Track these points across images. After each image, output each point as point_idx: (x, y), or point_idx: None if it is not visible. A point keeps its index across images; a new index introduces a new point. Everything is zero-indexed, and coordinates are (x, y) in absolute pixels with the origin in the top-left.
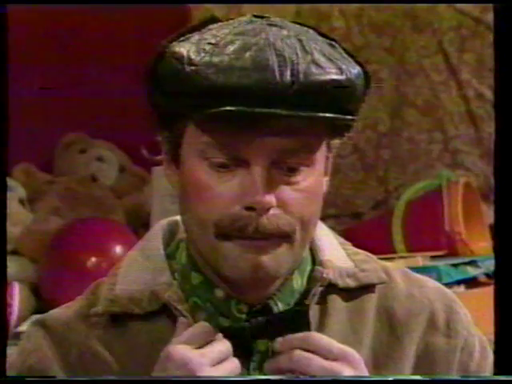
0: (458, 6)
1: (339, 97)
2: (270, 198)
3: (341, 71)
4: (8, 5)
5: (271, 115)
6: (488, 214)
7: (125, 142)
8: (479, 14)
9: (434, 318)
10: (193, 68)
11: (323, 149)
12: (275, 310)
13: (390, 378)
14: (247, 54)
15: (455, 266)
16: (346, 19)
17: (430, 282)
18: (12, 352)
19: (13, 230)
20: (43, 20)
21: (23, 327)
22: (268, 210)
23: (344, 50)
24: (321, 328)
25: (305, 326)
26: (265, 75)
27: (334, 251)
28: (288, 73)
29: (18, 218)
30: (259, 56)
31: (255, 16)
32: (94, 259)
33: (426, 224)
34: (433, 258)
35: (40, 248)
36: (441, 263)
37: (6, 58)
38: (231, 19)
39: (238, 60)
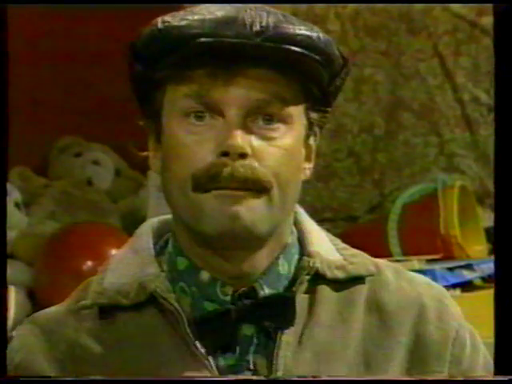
0: (454, 9)
1: (308, 50)
2: (244, 144)
3: (312, 30)
4: (8, 5)
5: (243, 59)
6: (484, 217)
7: (120, 146)
8: (475, 17)
9: (425, 310)
10: (165, 24)
11: (301, 112)
12: (261, 294)
13: (390, 378)
14: (219, 12)
15: (451, 269)
16: (342, 22)
17: (419, 277)
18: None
19: (8, 233)
20: (40, 23)
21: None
22: (242, 156)
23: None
24: (310, 316)
25: (290, 313)
26: (235, 25)
27: (323, 244)
28: (257, 24)
29: (14, 221)
30: (230, 12)
31: None
32: (89, 263)
33: (422, 227)
34: (428, 261)
35: (35, 252)
36: (436, 266)
37: (7, 63)
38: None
39: (210, 15)
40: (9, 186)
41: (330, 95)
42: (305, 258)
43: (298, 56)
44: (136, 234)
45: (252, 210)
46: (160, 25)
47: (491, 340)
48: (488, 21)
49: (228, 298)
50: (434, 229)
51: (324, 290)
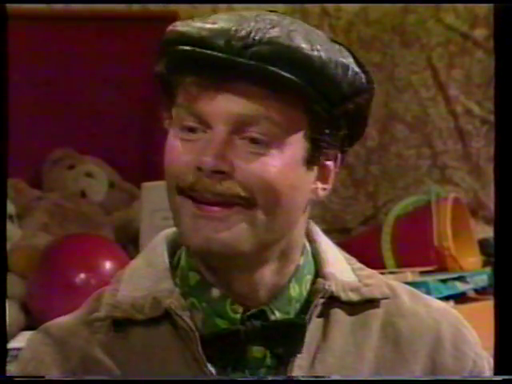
0: (447, 21)
1: (304, 70)
2: (217, 161)
3: (312, 48)
4: (8, 5)
5: (232, 72)
6: (477, 229)
7: (114, 158)
8: (468, 30)
9: (441, 338)
10: (171, 28)
11: (298, 132)
12: (272, 318)
13: (390, 378)
14: (223, 22)
15: (444, 281)
16: (336, 34)
17: (436, 302)
18: (9, 367)
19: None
20: (34, 36)
21: (13, 344)
22: (215, 173)
23: (354, 56)
24: (323, 340)
25: (300, 339)
26: (227, 35)
27: (339, 265)
28: (251, 37)
29: (7, 234)
30: (235, 21)
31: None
32: (82, 275)
33: (415, 239)
34: (422, 273)
35: (29, 264)
36: (430, 279)
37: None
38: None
39: (213, 24)
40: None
41: (340, 118)
42: (320, 280)
43: (282, 78)
44: (150, 245)
45: (231, 230)
46: (168, 28)
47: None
48: (481, 33)
49: (238, 316)
50: (428, 241)
51: (338, 314)
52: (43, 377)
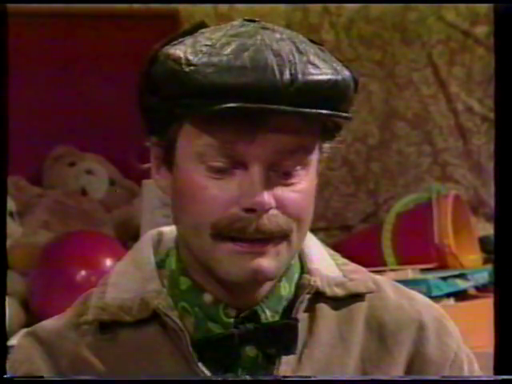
0: (448, 19)
1: (335, 96)
2: (270, 199)
3: (336, 72)
4: (8, 5)
5: (269, 113)
6: (477, 226)
7: (114, 155)
8: (468, 27)
9: (424, 329)
10: (192, 68)
11: (316, 151)
12: (263, 317)
13: (390, 378)
14: (245, 54)
15: (445, 278)
16: (336, 32)
17: (419, 296)
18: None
19: None
20: (35, 33)
21: (13, 341)
22: (267, 210)
23: (331, 54)
24: (309, 335)
25: (292, 339)
26: (264, 74)
27: (323, 260)
28: (287, 72)
29: (8, 231)
30: (257, 55)
31: (246, 20)
32: (83, 272)
33: (416, 237)
34: (422, 270)
35: (29, 261)
36: (430, 276)
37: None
38: (222, 24)
39: (237, 59)
40: None
41: (342, 127)
42: (305, 276)
43: (319, 114)
44: (136, 246)
45: (274, 261)
46: (185, 67)
47: (485, 350)
48: (482, 30)
49: (231, 321)
50: (428, 238)
51: (323, 308)
52: (42, 376)
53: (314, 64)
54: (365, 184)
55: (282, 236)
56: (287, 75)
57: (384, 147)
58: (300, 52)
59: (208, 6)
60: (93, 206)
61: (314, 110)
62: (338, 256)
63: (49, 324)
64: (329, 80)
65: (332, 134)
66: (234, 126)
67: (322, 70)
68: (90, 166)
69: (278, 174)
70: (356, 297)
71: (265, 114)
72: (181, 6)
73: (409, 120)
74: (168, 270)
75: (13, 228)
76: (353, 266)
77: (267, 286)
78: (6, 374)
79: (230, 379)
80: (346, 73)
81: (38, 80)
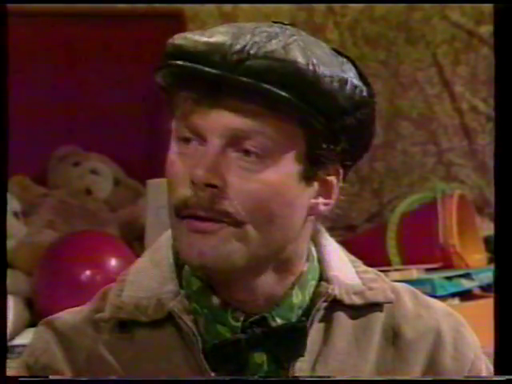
0: (452, 18)
1: (296, 85)
2: (210, 175)
3: (307, 62)
4: (8, 5)
5: (224, 86)
6: (482, 226)
7: (119, 155)
8: (473, 26)
9: (441, 338)
10: (171, 40)
11: (292, 146)
12: (273, 325)
13: (390, 378)
14: (222, 36)
15: (449, 278)
16: (341, 32)
17: (438, 304)
18: (14, 363)
19: (7, 242)
20: (39, 34)
21: (17, 340)
22: (209, 186)
23: (357, 69)
24: (325, 344)
25: (301, 343)
26: (221, 50)
27: (343, 267)
28: (244, 51)
29: (13, 231)
30: (233, 34)
31: (274, 22)
32: (88, 272)
33: (421, 237)
34: (427, 270)
35: (34, 261)
36: (435, 276)
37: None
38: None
39: (210, 38)
40: (8, 196)
41: (339, 132)
42: (323, 283)
43: (274, 94)
44: (155, 245)
45: (221, 246)
46: (170, 40)
47: (490, 349)
48: (486, 30)
49: (239, 324)
50: (433, 238)
51: (340, 317)
52: (47, 377)
53: (288, 49)
54: (369, 184)
55: (231, 222)
56: (243, 54)
57: (388, 147)
58: (280, 38)
59: (212, 6)
60: (97, 206)
61: (253, 82)
62: (358, 263)
63: (66, 317)
64: (287, 66)
65: (324, 139)
66: (193, 97)
67: (289, 56)
68: (95, 165)
69: (238, 156)
70: (374, 306)
71: (222, 87)
72: (185, 5)
73: (413, 120)
74: (186, 269)
75: (17, 227)
76: (372, 273)
77: (267, 284)
78: (5, 373)
79: (230, 379)
80: (328, 71)
81: (44, 80)
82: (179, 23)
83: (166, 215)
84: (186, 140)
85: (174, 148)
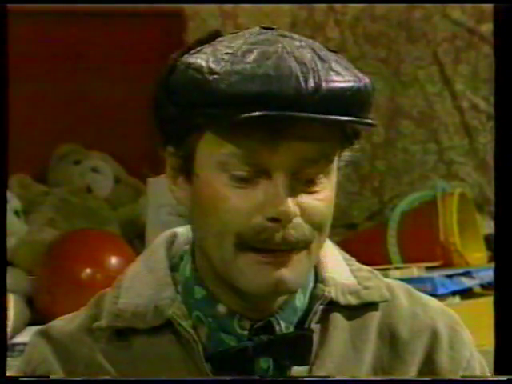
0: (453, 16)
1: (358, 103)
2: (294, 208)
3: (358, 78)
4: (8, 5)
5: (293, 122)
6: (483, 224)
7: (120, 153)
8: (474, 25)
9: (437, 337)
10: (215, 77)
11: (336, 159)
12: (277, 328)
13: (391, 378)
14: (269, 62)
15: (450, 276)
16: (341, 30)
17: (433, 302)
18: (15, 362)
19: (8, 241)
20: (38, 30)
21: (18, 339)
22: (292, 220)
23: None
24: (322, 346)
25: (307, 350)
26: (288, 82)
27: (338, 267)
28: (311, 79)
29: (13, 229)
30: (280, 63)
31: (263, 27)
32: (88, 270)
33: (421, 235)
34: (428, 268)
35: (35, 259)
36: (436, 274)
37: (7, 69)
38: (237, 31)
39: (260, 67)
40: (8, 194)
41: (373, 126)
42: (319, 285)
43: (341, 122)
44: (149, 249)
45: (296, 271)
46: (208, 76)
47: (490, 348)
48: (487, 28)
49: (245, 333)
50: (434, 236)
51: (336, 318)
52: (48, 377)
53: (335, 71)
54: (370, 182)
55: (304, 245)
56: (311, 83)
57: (389, 145)
58: (321, 59)
59: (212, 5)
60: (98, 204)
61: (339, 117)
62: (352, 261)
63: (61, 325)
64: (352, 87)
65: (351, 141)
66: (258, 135)
67: (345, 77)
68: (96, 163)
69: (301, 183)
70: (370, 305)
71: (288, 122)
72: (185, 5)
73: (414, 118)
74: (182, 276)
75: (18, 226)
76: (367, 271)
77: (282, 296)
78: (5, 373)
79: (229, 379)
80: (366, 79)
81: (44, 78)
82: (179, 22)
83: (166, 213)
84: (244, 178)
85: (223, 182)
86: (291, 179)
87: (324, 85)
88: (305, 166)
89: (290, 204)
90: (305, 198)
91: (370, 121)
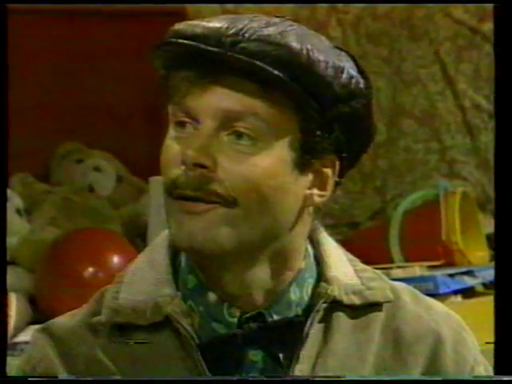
0: (455, 15)
1: (290, 67)
2: (199, 155)
3: (302, 47)
4: (8, 5)
5: (218, 67)
6: (485, 223)
7: (122, 152)
8: (476, 24)
9: (441, 341)
10: (172, 28)
11: (286, 132)
12: (269, 320)
13: (391, 378)
14: (220, 22)
15: (452, 275)
16: (343, 29)
17: (439, 306)
18: (17, 361)
19: (10, 239)
20: (40, 29)
21: (20, 337)
22: (197, 166)
23: (357, 65)
24: (325, 344)
25: (298, 339)
26: (217, 33)
27: (342, 267)
28: (240, 34)
29: (15, 228)
30: (226, 19)
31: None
32: (90, 269)
33: (423, 234)
34: (430, 267)
35: (37, 258)
36: (438, 273)
37: (7, 67)
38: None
39: (210, 24)
40: (10, 193)
41: (333, 120)
42: (322, 284)
43: (268, 73)
44: (152, 245)
45: (210, 227)
46: (170, 28)
47: (493, 347)
48: (489, 27)
49: (235, 321)
50: (436, 235)
51: (340, 318)
52: (43, 377)
53: (281, 35)
54: (372, 181)
55: (221, 203)
56: (239, 36)
57: (391, 144)
58: (276, 27)
59: (215, 4)
60: (100, 203)
61: (248, 59)
62: (356, 262)
63: (62, 322)
64: (280, 50)
65: (318, 127)
66: (187, 79)
67: (284, 40)
68: (98, 162)
69: (231, 139)
70: (373, 306)
71: (216, 67)
72: (187, 4)
73: (416, 117)
74: (181, 270)
75: (20, 224)
76: (371, 272)
77: (275, 290)
78: (6, 373)
79: (229, 379)
80: (326, 58)
81: (47, 77)
82: (181, 21)
83: None
84: (182, 124)
85: (170, 132)
86: (219, 131)
87: (253, 38)
88: (231, 119)
89: (197, 150)
90: (228, 156)
91: (274, 71)
